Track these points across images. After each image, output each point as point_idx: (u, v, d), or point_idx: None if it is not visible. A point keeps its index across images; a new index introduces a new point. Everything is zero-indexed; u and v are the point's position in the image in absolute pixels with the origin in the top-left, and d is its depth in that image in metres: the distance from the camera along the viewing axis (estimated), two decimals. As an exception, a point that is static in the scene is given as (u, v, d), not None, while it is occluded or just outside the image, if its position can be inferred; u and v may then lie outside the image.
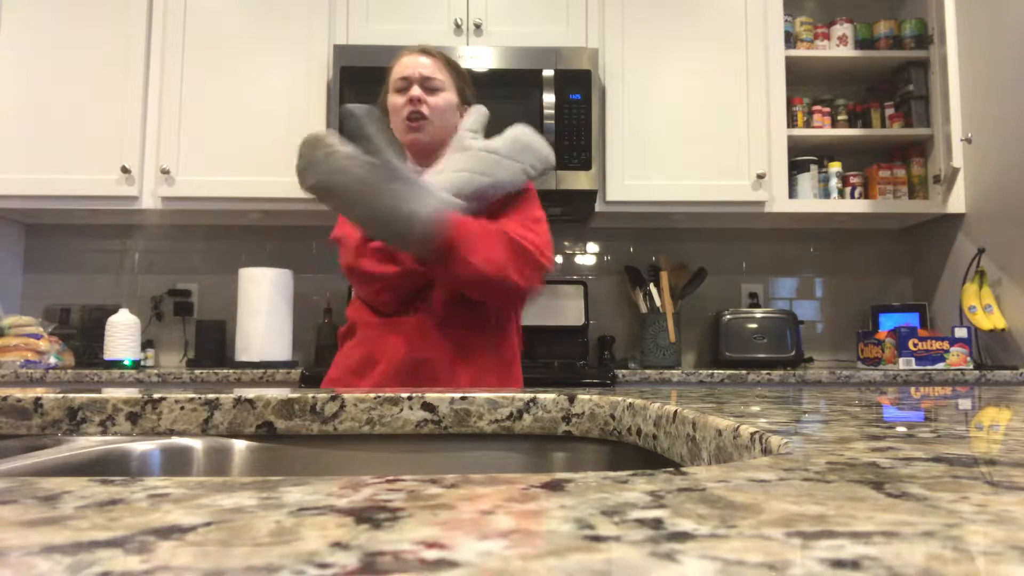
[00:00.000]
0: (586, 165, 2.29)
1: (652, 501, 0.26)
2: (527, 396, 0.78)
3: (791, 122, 2.55)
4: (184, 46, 2.41)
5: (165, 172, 2.35)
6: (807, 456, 0.36)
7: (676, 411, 0.62)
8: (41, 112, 2.38)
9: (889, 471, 0.32)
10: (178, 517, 0.24)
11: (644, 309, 2.49)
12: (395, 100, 1.36)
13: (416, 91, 1.32)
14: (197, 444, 0.76)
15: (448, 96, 1.36)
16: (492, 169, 1.24)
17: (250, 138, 2.39)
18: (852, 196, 2.56)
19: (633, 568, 0.18)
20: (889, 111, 2.59)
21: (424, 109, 1.32)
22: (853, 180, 2.58)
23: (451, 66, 1.39)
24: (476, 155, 1.25)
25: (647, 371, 2.13)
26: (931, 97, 2.55)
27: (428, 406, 0.77)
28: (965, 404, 0.69)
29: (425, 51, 1.38)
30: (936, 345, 2.21)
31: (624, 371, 2.14)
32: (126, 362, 2.23)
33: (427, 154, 1.35)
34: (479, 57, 2.32)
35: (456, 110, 1.37)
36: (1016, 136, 2.20)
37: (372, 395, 0.77)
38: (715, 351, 2.46)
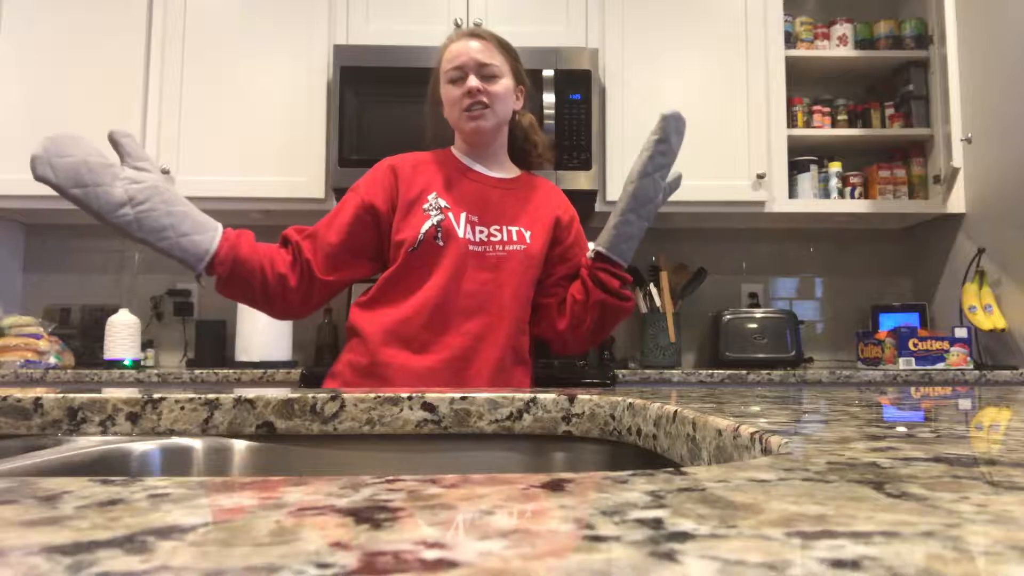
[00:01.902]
0: (586, 165, 2.29)
1: (652, 501, 0.26)
2: (527, 396, 0.78)
3: (791, 122, 2.55)
4: (184, 46, 2.41)
5: (165, 172, 2.35)
6: (807, 456, 0.36)
7: (676, 411, 0.62)
8: (41, 112, 2.38)
9: (889, 471, 0.32)
10: (178, 517, 0.24)
11: (644, 309, 2.49)
12: (451, 92, 1.29)
13: (474, 81, 1.26)
14: (197, 444, 0.76)
15: (506, 82, 1.30)
16: None
17: (250, 138, 2.39)
18: (852, 196, 2.56)
19: (633, 568, 0.18)
20: (889, 111, 2.59)
21: (484, 99, 1.27)
22: (853, 180, 2.58)
23: (504, 47, 1.33)
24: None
25: (647, 371, 2.13)
26: (931, 97, 2.55)
27: (428, 406, 0.77)
28: (965, 404, 0.69)
29: (476, 34, 1.31)
30: (936, 345, 2.21)
31: (624, 371, 2.14)
32: (126, 362, 2.23)
33: (487, 142, 1.33)
34: (479, 57, 2.32)
35: (514, 93, 1.33)
36: (1016, 136, 2.20)
37: (372, 395, 0.77)
38: (715, 351, 2.46)
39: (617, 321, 1.31)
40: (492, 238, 1.29)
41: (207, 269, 1.12)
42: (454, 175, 1.32)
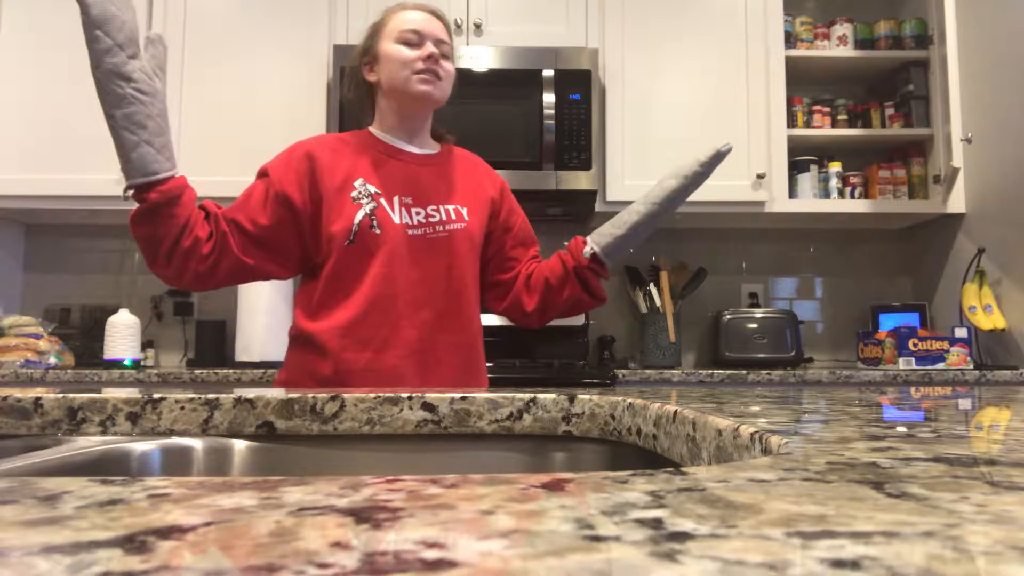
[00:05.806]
0: (586, 165, 2.29)
1: (652, 501, 0.26)
2: (527, 396, 0.78)
3: (791, 122, 2.55)
4: (184, 46, 2.41)
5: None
6: (807, 456, 0.36)
7: (676, 411, 0.62)
8: (41, 112, 2.38)
9: (889, 471, 0.32)
10: (178, 517, 0.24)
11: (644, 309, 2.49)
12: (403, 53, 1.23)
13: (433, 48, 1.23)
14: (197, 444, 0.76)
15: (452, 65, 1.29)
16: None
17: (250, 138, 2.39)
18: (852, 196, 2.56)
19: (633, 568, 0.18)
20: (889, 111, 2.59)
21: (440, 71, 1.24)
22: (853, 180, 2.58)
23: (451, 36, 1.32)
24: None
25: (647, 371, 2.13)
26: (931, 97, 2.55)
27: (428, 406, 0.77)
28: (965, 404, 0.69)
29: (436, 14, 1.29)
30: (936, 345, 2.21)
31: (624, 371, 2.14)
32: (126, 362, 2.23)
33: (424, 116, 1.29)
34: (479, 57, 2.31)
35: None
36: (1016, 136, 2.20)
37: (372, 395, 0.77)
38: (715, 351, 2.46)
39: (583, 312, 1.34)
40: (431, 219, 1.24)
41: (141, 190, 1.06)
42: (379, 157, 1.26)
